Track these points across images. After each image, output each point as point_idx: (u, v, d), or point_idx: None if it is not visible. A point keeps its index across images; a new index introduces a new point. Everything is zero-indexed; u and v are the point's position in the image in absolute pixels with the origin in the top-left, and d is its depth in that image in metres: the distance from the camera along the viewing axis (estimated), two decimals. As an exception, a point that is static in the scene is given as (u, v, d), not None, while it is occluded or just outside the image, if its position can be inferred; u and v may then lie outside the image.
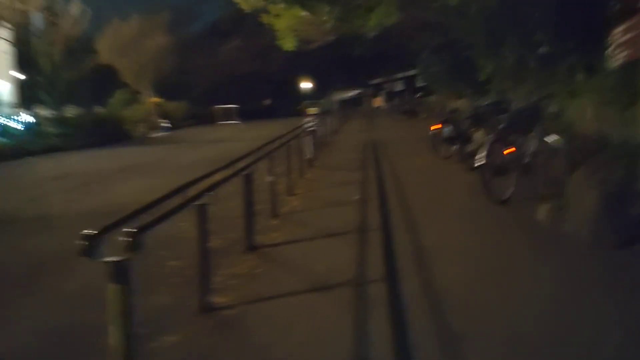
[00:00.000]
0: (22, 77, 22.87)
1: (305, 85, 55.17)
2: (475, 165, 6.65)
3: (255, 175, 5.97)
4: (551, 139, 7.23)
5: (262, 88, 55.11)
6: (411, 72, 50.67)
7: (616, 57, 7.08)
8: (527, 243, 5.16)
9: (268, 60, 51.10)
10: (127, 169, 13.83)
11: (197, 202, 3.87)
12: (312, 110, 43.20)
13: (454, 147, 10.98)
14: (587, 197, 5.20)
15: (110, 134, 24.76)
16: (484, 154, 6.69)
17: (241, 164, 5.68)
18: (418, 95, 30.92)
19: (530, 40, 10.78)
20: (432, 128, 11.27)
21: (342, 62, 51.52)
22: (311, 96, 53.20)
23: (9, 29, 23.48)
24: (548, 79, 11.09)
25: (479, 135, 9.71)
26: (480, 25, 13.17)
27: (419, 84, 39.60)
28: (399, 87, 56.82)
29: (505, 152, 6.85)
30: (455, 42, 18.67)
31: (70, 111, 26.54)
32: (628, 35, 6.97)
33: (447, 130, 11.00)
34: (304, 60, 48.41)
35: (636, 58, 6.83)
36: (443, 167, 10.32)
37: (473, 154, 9.58)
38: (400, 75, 56.65)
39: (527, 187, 7.09)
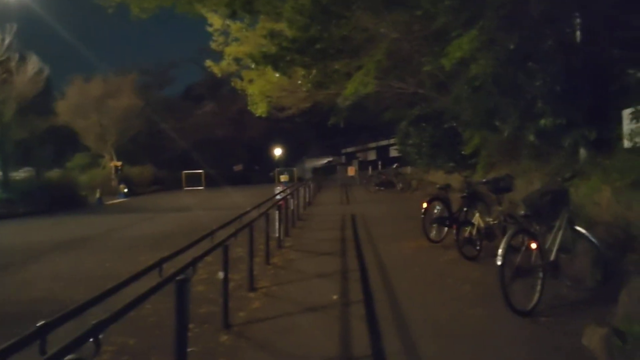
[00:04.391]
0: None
1: (279, 151, 54.17)
2: (497, 263, 5.08)
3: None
4: (580, 229, 5.80)
5: (235, 153, 54.10)
6: (384, 142, 50.45)
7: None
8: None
9: (242, 125, 50.44)
10: (63, 244, 11.97)
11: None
12: (284, 177, 41.91)
13: (446, 230, 9.50)
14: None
15: (62, 199, 22.81)
16: (502, 249, 5.14)
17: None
18: (394, 166, 29.76)
19: (529, 112, 9.53)
20: (423, 206, 9.71)
21: (316, 129, 51.06)
22: (284, 163, 52.11)
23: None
24: (550, 155, 9.86)
25: (477, 218, 8.25)
26: (469, 96, 12.05)
27: (394, 154, 38.79)
28: (372, 156, 56.38)
29: (529, 247, 5.33)
30: (436, 112, 17.68)
31: (21, 174, 24.58)
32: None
33: (438, 210, 9.54)
34: (278, 126, 47.75)
35: None
36: (435, 255, 8.69)
37: (471, 240, 8.15)
38: (373, 144, 56.43)
39: (556, 292, 5.58)
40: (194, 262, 4.18)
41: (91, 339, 2.45)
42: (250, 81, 21.55)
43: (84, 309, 2.94)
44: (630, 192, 6.48)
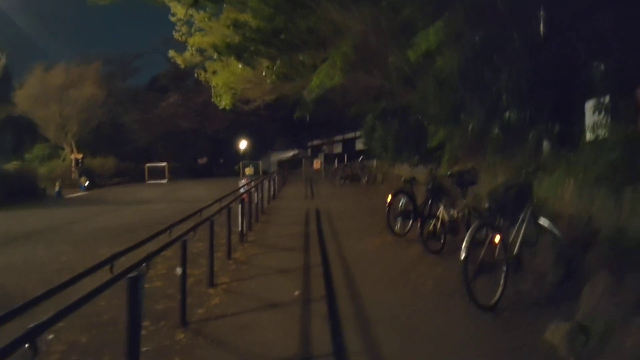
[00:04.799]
0: None
1: (244, 144, 53.58)
2: (461, 257, 5.02)
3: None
4: (543, 223, 5.79)
5: (199, 146, 53.36)
6: (351, 135, 50.44)
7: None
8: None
9: (207, 118, 49.74)
10: (20, 237, 11.56)
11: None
12: (249, 171, 41.52)
13: (411, 224, 9.44)
14: (635, 326, 3.57)
15: (20, 191, 22.08)
16: (466, 243, 5.08)
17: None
18: (360, 159, 29.75)
19: (494, 106, 9.54)
20: (388, 200, 9.65)
21: (282, 123, 50.73)
22: (249, 156, 51.60)
23: None
24: (515, 149, 9.89)
25: (441, 212, 8.20)
26: (435, 90, 12.02)
27: (360, 147, 38.80)
28: (338, 149, 56.35)
29: (493, 241, 5.28)
30: (403, 106, 17.66)
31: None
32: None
33: (403, 203, 9.48)
34: (243, 119, 47.23)
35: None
36: (400, 250, 8.62)
37: (435, 234, 8.10)
38: (339, 137, 56.38)
39: (519, 287, 5.56)
40: (147, 259, 3.98)
41: (27, 344, 2.26)
42: (214, 72, 21.15)
43: (24, 309, 2.74)
44: (593, 186, 6.49)
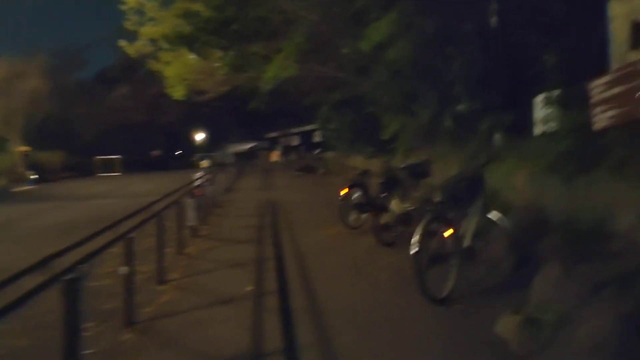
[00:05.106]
0: None
1: (199, 136, 52.72)
2: (411, 252, 4.99)
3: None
4: (494, 215, 5.83)
5: (152, 138, 52.33)
6: (307, 127, 50.35)
7: (597, 119, 5.73)
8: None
9: (159, 109, 48.75)
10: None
11: None
12: (205, 163, 40.97)
13: (365, 216, 9.40)
14: (587, 316, 3.59)
15: (-38, 187, 21.23)
16: (418, 236, 5.05)
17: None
18: (316, 151, 29.72)
19: (447, 97, 9.59)
20: (342, 193, 9.58)
21: (237, 114, 50.11)
22: (205, 148, 50.83)
23: None
24: (468, 140, 9.98)
25: (394, 204, 8.18)
26: (388, 81, 12.02)
27: (316, 139, 38.79)
28: (295, 141, 56.17)
29: (444, 234, 5.27)
30: (357, 97, 17.64)
31: None
32: (616, 90, 5.45)
33: (357, 195, 9.42)
34: (198, 111, 46.47)
35: (633, 119, 5.22)
36: (353, 242, 8.56)
37: (388, 227, 8.09)
38: (296, 129, 56.17)
39: (472, 279, 5.57)
40: (86, 259, 3.79)
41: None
42: (167, 63, 20.65)
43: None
44: (544, 177, 6.57)
